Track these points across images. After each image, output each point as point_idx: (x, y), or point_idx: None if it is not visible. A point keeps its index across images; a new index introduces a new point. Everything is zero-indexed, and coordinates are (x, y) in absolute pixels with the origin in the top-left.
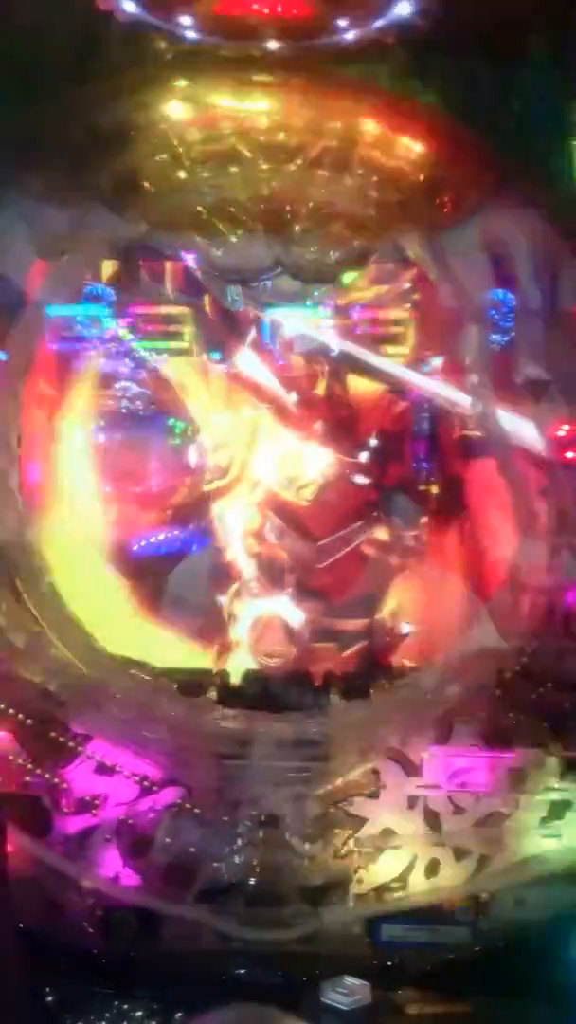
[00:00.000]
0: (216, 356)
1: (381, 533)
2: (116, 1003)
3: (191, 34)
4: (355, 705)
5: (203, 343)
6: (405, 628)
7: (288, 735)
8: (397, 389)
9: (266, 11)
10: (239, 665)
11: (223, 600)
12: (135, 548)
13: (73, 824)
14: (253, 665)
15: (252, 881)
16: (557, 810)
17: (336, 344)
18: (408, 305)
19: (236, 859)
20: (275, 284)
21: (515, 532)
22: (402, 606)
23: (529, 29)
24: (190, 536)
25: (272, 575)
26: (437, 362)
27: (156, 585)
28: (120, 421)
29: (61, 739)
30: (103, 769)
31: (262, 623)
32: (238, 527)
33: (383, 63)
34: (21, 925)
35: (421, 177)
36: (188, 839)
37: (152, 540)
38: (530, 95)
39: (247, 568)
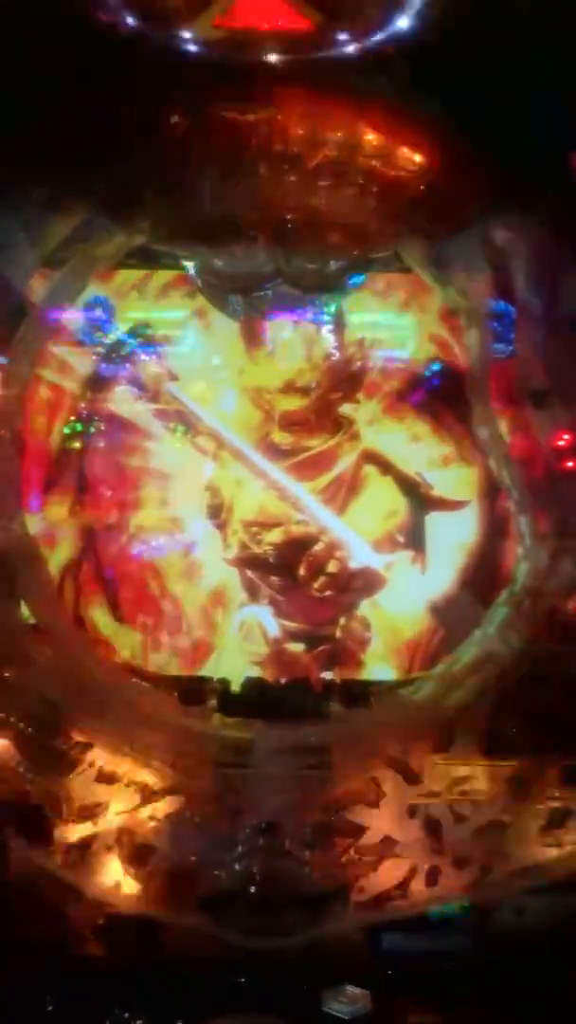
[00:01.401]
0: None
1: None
2: (117, 1011)
3: (192, 46)
4: (355, 712)
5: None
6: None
7: (288, 743)
8: None
9: (267, 24)
10: (232, 669)
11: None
12: (133, 553)
13: (74, 832)
14: (237, 667)
15: (252, 889)
16: (558, 818)
17: None
18: None
19: (236, 867)
20: (275, 293)
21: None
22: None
23: (528, 39)
24: (185, 544)
25: (251, 592)
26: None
27: (151, 590)
28: (120, 426)
29: (62, 747)
30: (104, 777)
31: (246, 626)
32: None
33: (383, 74)
34: (22, 933)
35: (421, 187)
36: (188, 847)
37: (149, 546)
38: (529, 105)
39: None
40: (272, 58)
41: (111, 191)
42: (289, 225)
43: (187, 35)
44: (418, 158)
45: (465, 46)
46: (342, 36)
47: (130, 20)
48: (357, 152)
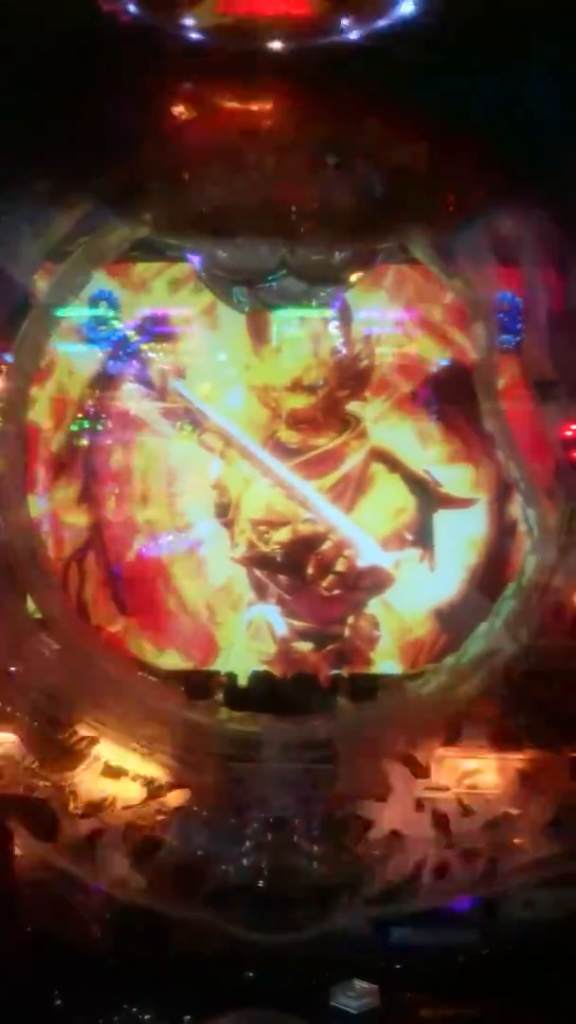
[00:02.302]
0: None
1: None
2: (125, 1006)
3: (194, 34)
4: (363, 707)
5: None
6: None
7: (296, 737)
8: None
9: (270, 10)
10: (240, 668)
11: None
12: (140, 550)
13: (81, 827)
14: (245, 665)
15: (260, 884)
16: (566, 812)
17: None
18: None
19: (244, 862)
20: (280, 285)
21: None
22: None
23: (533, 27)
24: (192, 541)
25: (259, 591)
26: (444, 362)
27: (157, 587)
28: (126, 423)
29: (68, 742)
30: (110, 771)
31: (254, 625)
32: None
33: (387, 62)
34: (29, 928)
35: (426, 176)
36: (196, 842)
37: (156, 543)
38: (535, 93)
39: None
40: (275, 45)
41: (114, 183)
42: (293, 216)
43: (189, 22)
44: (424, 147)
45: (470, 32)
46: (345, 22)
47: (132, 8)
48: (361, 141)
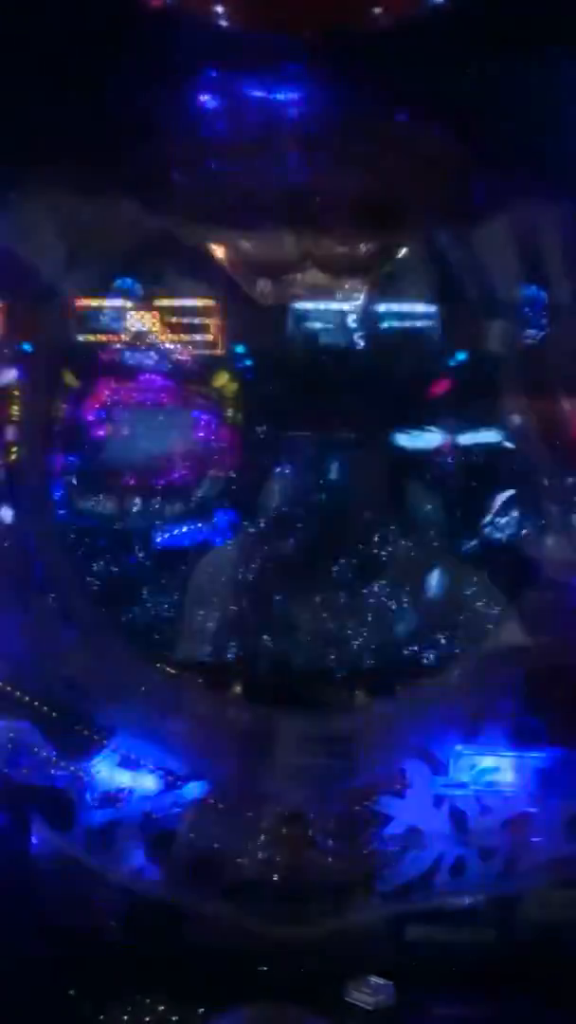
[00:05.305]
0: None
1: None
2: (138, 997)
3: (224, 22)
4: (381, 702)
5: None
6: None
7: (313, 731)
8: None
9: None
10: (258, 658)
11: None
12: (158, 540)
13: (97, 818)
14: (263, 655)
15: (275, 878)
16: None
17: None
18: None
19: (259, 855)
20: (304, 277)
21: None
22: None
23: (564, 16)
24: (213, 529)
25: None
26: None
27: (177, 577)
28: (145, 413)
29: (85, 732)
30: (127, 763)
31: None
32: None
33: (416, 52)
34: (44, 918)
35: (452, 169)
36: (212, 835)
37: (175, 532)
38: (565, 83)
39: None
40: (304, 34)
41: (138, 173)
42: (318, 208)
43: (219, 9)
44: (450, 139)
45: (501, 21)
46: (376, 10)
47: None
48: (388, 133)
